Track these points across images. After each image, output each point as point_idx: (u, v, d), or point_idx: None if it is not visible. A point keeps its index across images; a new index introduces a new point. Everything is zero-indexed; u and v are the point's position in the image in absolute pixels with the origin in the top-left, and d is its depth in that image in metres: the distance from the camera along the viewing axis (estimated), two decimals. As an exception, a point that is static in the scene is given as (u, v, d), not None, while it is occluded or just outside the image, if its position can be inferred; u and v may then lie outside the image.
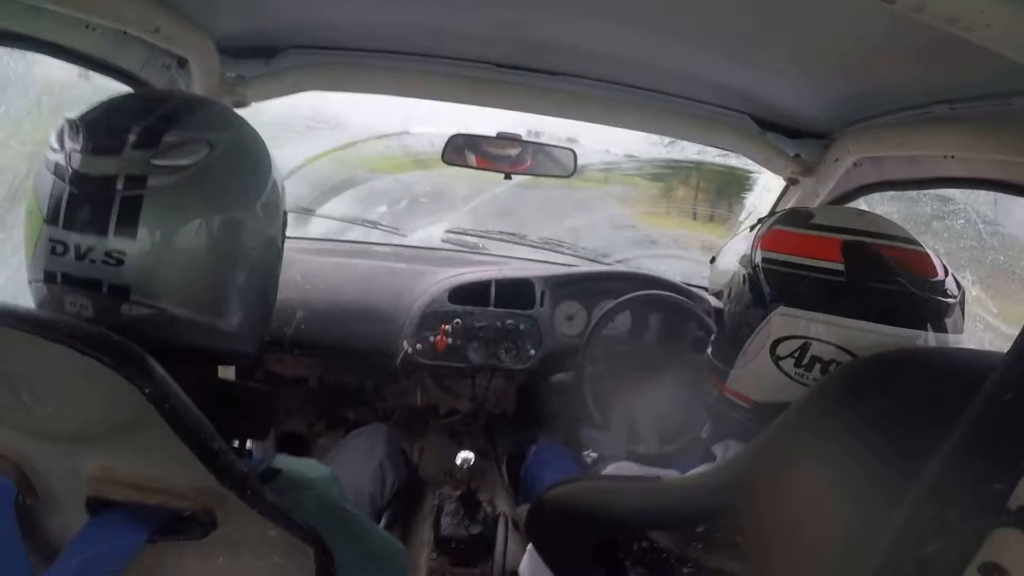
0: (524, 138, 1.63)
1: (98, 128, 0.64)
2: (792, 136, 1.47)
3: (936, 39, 0.68)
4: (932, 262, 0.76)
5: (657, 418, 1.47)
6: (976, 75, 0.90)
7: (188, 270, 0.65)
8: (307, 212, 2.20)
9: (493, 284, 1.79)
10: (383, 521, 1.49)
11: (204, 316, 0.68)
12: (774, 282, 0.78)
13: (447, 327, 1.72)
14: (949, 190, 1.45)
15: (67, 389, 0.57)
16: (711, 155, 2.46)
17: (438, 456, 1.95)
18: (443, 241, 2.21)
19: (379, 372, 1.90)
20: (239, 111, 1.17)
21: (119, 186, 0.61)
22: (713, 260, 0.94)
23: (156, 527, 0.57)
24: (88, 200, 0.61)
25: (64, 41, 1.01)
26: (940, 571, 0.43)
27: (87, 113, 0.66)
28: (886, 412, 0.59)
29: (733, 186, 2.44)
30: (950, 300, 0.73)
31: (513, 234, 2.19)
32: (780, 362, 0.76)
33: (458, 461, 1.52)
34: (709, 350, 0.91)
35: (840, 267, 0.73)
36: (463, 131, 1.64)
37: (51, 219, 0.61)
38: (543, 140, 1.76)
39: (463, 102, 1.50)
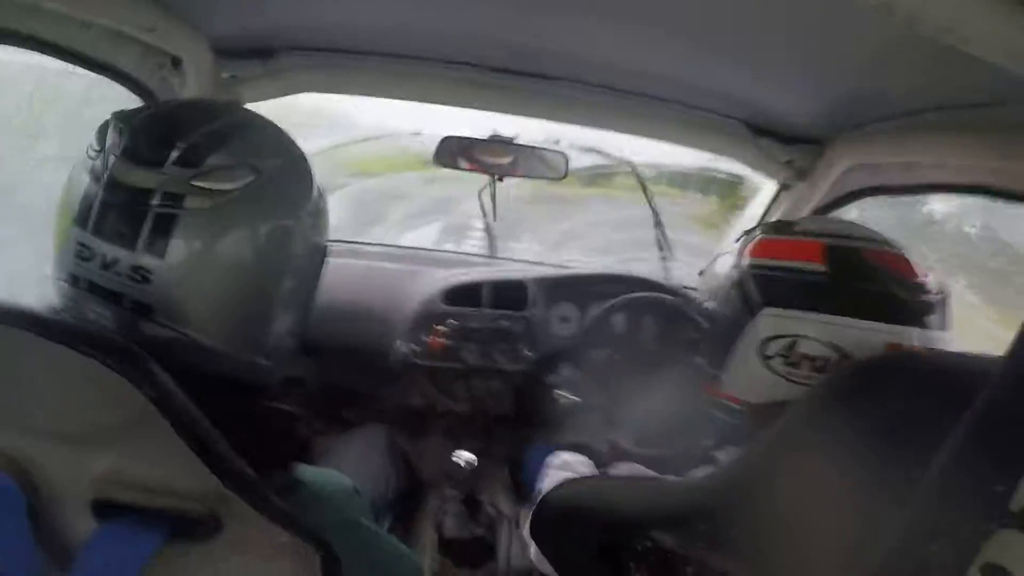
0: (515, 141, 1.63)
1: (142, 136, 0.61)
2: (785, 142, 1.48)
3: (930, 47, 0.69)
4: (911, 264, 0.79)
5: (652, 418, 1.47)
6: (969, 82, 0.91)
7: (216, 297, 0.62)
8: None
9: (486, 285, 1.79)
10: (386, 523, 1.48)
11: (231, 348, 0.65)
12: (760, 286, 0.81)
13: (442, 328, 1.71)
14: (942, 196, 1.46)
15: (70, 390, 0.56)
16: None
17: (437, 457, 1.95)
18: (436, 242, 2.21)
19: (376, 373, 1.89)
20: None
21: (154, 201, 0.58)
22: (702, 273, 0.96)
23: (169, 530, 0.56)
24: (120, 210, 0.59)
25: (58, 39, 1.00)
26: (942, 573, 0.43)
27: (135, 116, 0.63)
28: (886, 413, 0.60)
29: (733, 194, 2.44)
30: (932, 298, 0.76)
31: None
32: (769, 361, 0.78)
33: (461, 463, 1.51)
34: (701, 357, 0.92)
35: (823, 268, 0.77)
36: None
37: (80, 222, 0.59)
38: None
39: (458, 105, 1.50)
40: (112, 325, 0.60)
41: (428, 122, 2.16)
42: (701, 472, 0.80)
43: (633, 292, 1.67)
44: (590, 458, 1.13)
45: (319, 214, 0.71)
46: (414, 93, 1.48)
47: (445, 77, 1.43)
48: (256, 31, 1.31)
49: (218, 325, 0.63)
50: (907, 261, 0.79)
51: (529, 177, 1.71)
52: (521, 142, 1.63)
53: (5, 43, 0.96)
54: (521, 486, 1.64)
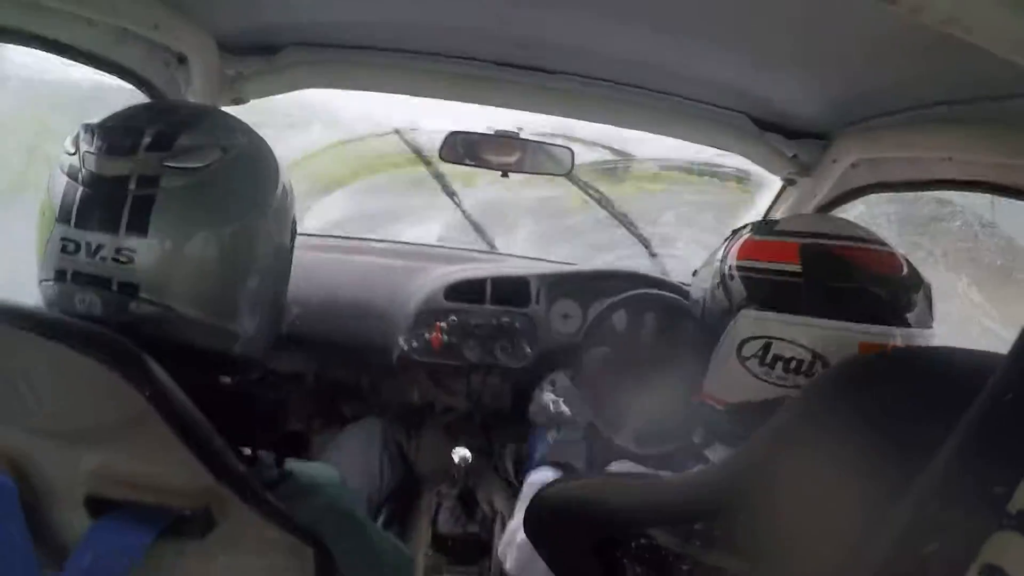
0: (521, 136, 1.63)
1: (113, 132, 0.65)
2: (790, 136, 1.47)
3: (935, 40, 0.68)
4: (892, 260, 0.79)
5: (652, 417, 1.47)
6: (975, 77, 0.90)
7: (197, 271, 0.65)
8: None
9: (489, 282, 1.79)
10: (381, 518, 1.49)
11: (213, 318, 0.68)
12: (741, 287, 0.81)
13: (443, 324, 1.71)
14: (947, 192, 1.46)
15: (67, 388, 0.57)
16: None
17: (435, 453, 1.95)
18: (440, 239, 2.21)
19: (375, 369, 1.89)
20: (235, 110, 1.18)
21: (132, 186, 0.62)
22: (696, 273, 0.96)
23: (162, 526, 0.57)
24: (101, 200, 0.62)
25: (64, 38, 1.00)
26: (940, 573, 0.43)
27: (102, 120, 0.67)
28: (883, 411, 0.60)
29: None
30: (912, 296, 0.76)
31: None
32: (746, 362, 0.79)
33: (456, 459, 1.52)
34: (692, 358, 0.93)
35: (798, 268, 0.77)
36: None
37: (63, 218, 0.62)
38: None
39: (462, 100, 1.50)
40: (100, 310, 0.63)
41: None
42: (695, 469, 0.80)
43: (636, 289, 1.67)
44: (570, 473, 1.13)
45: (286, 189, 0.75)
46: (417, 88, 1.47)
47: (448, 72, 1.42)
48: (260, 27, 1.31)
49: (201, 297, 0.67)
50: (890, 257, 0.78)
51: (534, 173, 1.70)
52: (526, 136, 1.63)
53: (10, 42, 0.97)
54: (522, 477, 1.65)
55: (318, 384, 1.95)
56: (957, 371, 0.62)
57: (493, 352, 1.75)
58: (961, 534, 0.42)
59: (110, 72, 1.14)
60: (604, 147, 2.37)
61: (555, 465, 1.31)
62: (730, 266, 0.84)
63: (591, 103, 1.47)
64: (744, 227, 0.90)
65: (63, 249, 0.62)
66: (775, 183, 1.67)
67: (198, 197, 0.65)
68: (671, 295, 1.67)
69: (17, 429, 0.60)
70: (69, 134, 0.67)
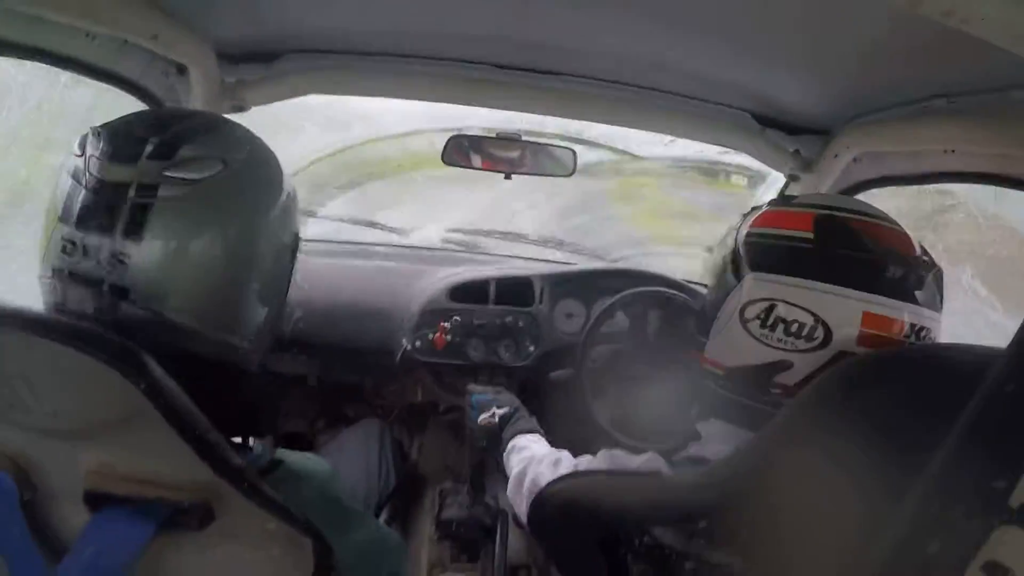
0: (523, 138, 1.63)
1: (118, 137, 0.66)
2: (792, 132, 1.46)
3: (934, 33, 0.68)
4: (907, 239, 0.78)
5: (655, 414, 1.47)
6: (975, 69, 0.90)
7: (188, 280, 0.66)
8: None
9: (492, 282, 1.80)
10: (382, 517, 1.50)
11: (206, 328, 0.69)
12: (750, 252, 0.82)
13: (446, 324, 1.72)
14: (949, 185, 1.44)
15: (65, 386, 0.58)
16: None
17: (438, 452, 1.96)
18: (443, 241, 2.21)
19: (378, 370, 1.90)
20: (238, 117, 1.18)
21: (131, 193, 0.63)
22: (710, 249, 0.96)
23: (161, 520, 0.58)
24: (101, 203, 0.64)
25: (64, 50, 1.01)
26: (942, 570, 0.43)
27: (110, 123, 0.69)
28: (886, 407, 0.60)
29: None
30: (922, 274, 0.75)
31: (512, 233, 2.19)
32: (747, 324, 0.79)
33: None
34: (696, 328, 0.93)
35: (810, 235, 0.77)
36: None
37: (64, 219, 0.64)
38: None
39: (464, 103, 1.50)
40: (90, 309, 0.64)
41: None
42: (697, 464, 0.80)
43: (639, 287, 1.66)
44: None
45: (287, 206, 0.75)
46: (419, 92, 1.48)
47: (450, 75, 1.42)
48: (259, 35, 1.32)
49: (193, 305, 0.67)
50: (905, 236, 0.78)
51: (537, 174, 1.70)
52: (528, 139, 1.63)
53: (13, 55, 0.98)
54: None
55: (321, 386, 1.96)
56: (957, 368, 0.61)
57: (496, 351, 1.75)
58: (963, 531, 0.42)
59: (110, 83, 1.14)
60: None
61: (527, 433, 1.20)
62: (743, 235, 0.84)
63: (594, 103, 1.47)
64: (759, 206, 0.90)
65: (62, 248, 0.64)
66: (779, 180, 1.66)
67: (194, 209, 0.65)
68: (674, 292, 1.66)
69: (16, 429, 0.61)
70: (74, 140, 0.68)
